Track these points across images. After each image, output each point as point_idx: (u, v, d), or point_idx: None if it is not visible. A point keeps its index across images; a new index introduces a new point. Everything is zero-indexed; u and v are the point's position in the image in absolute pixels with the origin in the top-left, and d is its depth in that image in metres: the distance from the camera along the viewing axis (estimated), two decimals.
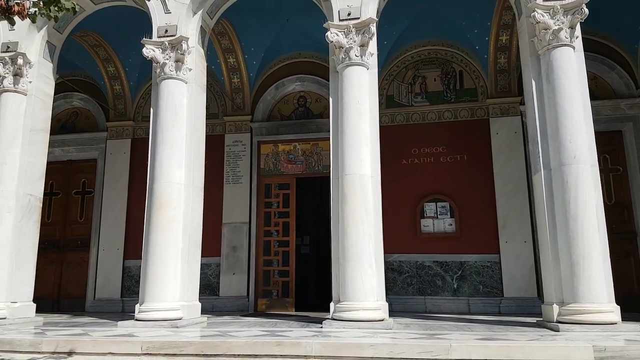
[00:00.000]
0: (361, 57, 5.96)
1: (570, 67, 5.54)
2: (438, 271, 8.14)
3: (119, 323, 5.79)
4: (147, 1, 6.67)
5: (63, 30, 7.41)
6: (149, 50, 6.41)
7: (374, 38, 6.07)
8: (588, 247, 5.03)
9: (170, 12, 6.59)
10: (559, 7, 5.60)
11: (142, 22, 7.22)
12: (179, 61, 6.41)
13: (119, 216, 9.14)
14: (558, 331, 4.84)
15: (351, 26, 5.96)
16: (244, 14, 7.79)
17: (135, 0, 7.02)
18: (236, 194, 8.83)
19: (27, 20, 7.01)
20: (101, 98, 9.62)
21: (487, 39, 8.22)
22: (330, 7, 6.19)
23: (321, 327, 5.32)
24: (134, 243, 8.91)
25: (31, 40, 7.08)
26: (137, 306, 5.95)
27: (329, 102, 6.20)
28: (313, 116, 9.10)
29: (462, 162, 8.39)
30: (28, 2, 3.77)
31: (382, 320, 5.32)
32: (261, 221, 8.79)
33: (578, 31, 5.62)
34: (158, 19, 6.61)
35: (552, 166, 5.43)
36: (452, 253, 8.14)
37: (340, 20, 6.09)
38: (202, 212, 6.58)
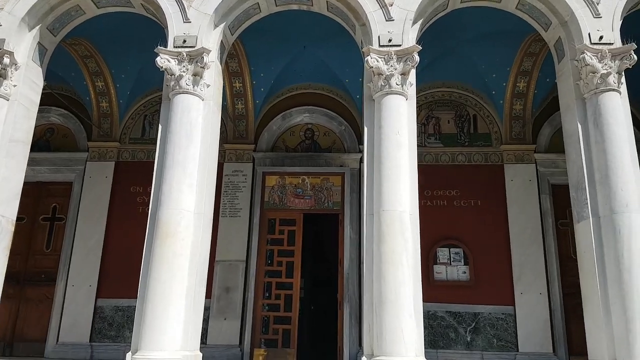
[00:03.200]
0: (402, 85, 5.62)
1: (619, 112, 5.38)
2: (451, 322, 7.56)
3: None
4: (162, 8, 6.04)
5: (57, 33, 6.53)
6: (164, 61, 5.72)
7: (415, 67, 5.74)
8: None
9: (190, 22, 5.96)
10: (607, 52, 5.51)
11: (145, 35, 6.54)
12: (197, 75, 5.75)
13: (94, 248, 8.00)
14: None
15: (392, 53, 5.64)
16: (259, 36, 7.26)
17: (146, 7, 6.34)
18: (233, 229, 7.95)
19: (18, 16, 6.24)
20: (84, 115, 8.64)
21: (504, 84, 8.10)
22: (369, 32, 5.86)
23: None
24: (111, 280, 7.87)
25: (21, 38, 6.16)
26: (128, 355, 4.99)
27: (362, 131, 5.75)
28: (321, 150, 8.54)
29: (476, 208, 8.04)
30: None
31: None
32: (262, 260, 7.91)
33: (623, 77, 5.51)
34: (175, 28, 5.94)
35: (601, 214, 5.16)
36: (466, 303, 7.63)
37: (380, 45, 5.76)
38: (209, 246, 5.77)
